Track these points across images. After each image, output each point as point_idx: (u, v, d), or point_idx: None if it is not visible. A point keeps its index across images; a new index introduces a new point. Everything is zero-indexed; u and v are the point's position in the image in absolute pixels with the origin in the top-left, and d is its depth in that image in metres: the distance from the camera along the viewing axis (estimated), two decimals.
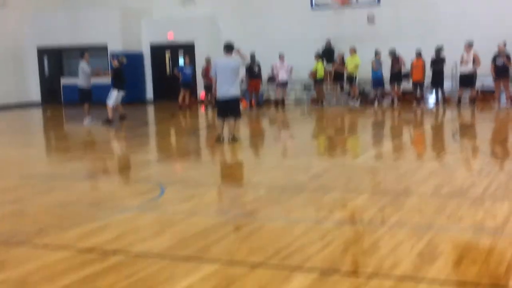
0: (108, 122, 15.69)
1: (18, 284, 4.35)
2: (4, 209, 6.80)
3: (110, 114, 15.83)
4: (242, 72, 20.73)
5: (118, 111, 16.25)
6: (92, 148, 12.37)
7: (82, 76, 16.52)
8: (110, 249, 5.08)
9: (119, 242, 5.29)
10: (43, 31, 24.00)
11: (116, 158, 11.12)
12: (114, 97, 16.04)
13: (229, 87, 11.20)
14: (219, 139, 11.37)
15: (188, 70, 20.62)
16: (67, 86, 23.96)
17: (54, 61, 24.97)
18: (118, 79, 16.20)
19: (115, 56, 16.60)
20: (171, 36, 23.32)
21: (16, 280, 4.44)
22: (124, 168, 9.80)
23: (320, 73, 19.99)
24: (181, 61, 22.25)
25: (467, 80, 17.75)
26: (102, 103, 16.58)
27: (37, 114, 22.17)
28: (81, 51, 17.55)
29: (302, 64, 20.26)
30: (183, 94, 20.37)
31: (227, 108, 11.42)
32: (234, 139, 11.40)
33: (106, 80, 20.91)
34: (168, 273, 4.47)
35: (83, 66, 16.52)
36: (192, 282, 4.26)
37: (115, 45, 23.24)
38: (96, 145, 13.08)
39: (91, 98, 16.82)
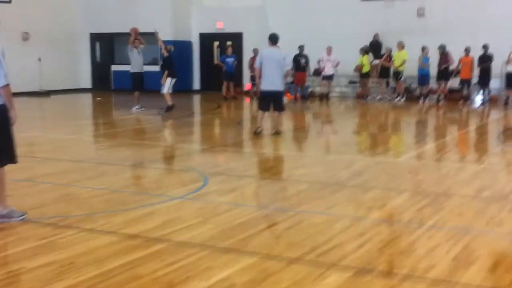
0: (169, 108, 15.93)
1: (65, 266, 4.58)
2: (55, 193, 7.10)
3: (169, 100, 16.07)
4: (289, 65, 20.88)
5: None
6: (140, 136, 12.67)
7: (134, 62, 16.70)
8: (154, 236, 5.29)
9: (163, 230, 5.50)
10: (95, 17, 24.51)
11: (163, 146, 11.38)
12: (168, 84, 16.21)
13: (273, 79, 11.27)
14: (256, 132, 11.48)
15: (230, 61, 20.71)
16: (118, 73, 24.45)
17: (106, 47, 25.48)
18: (171, 67, 16.37)
19: (165, 45, 16.83)
20: (220, 25, 23.52)
21: (63, 262, 4.67)
22: (170, 157, 10.04)
23: (366, 67, 19.91)
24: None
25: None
26: (153, 91, 16.92)
27: (87, 100, 22.71)
28: (145, 39, 17.68)
29: (349, 58, 20.19)
30: (226, 85, 20.54)
31: (270, 101, 11.52)
32: (277, 133, 11.52)
33: (156, 68, 21.35)
34: (208, 263, 4.64)
35: (136, 52, 16.71)
36: (230, 273, 4.42)
37: (165, 33, 23.54)
38: (143, 133, 13.38)
39: (143, 85, 17.07)
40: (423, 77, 18.97)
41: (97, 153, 10.62)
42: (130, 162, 9.19)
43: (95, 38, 25.30)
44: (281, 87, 11.58)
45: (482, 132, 13.26)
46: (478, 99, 18.84)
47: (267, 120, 11.80)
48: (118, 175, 8.21)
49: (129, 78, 17.10)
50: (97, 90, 24.69)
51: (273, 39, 11.49)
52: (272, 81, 11.30)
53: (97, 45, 25.61)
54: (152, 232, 5.41)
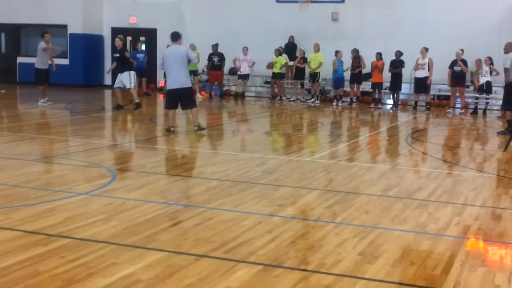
0: (138, 105, 15.55)
1: None
2: None
3: (135, 97, 15.72)
4: (204, 63, 20.81)
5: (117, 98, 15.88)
6: (45, 130, 12.17)
7: (40, 56, 16.29)
8: (54, 233, 5.05)
9: (65, 226, 5.26)
10: (2, 7, 23.47)
11: (69, 141, 10.97)
12: (132, 78, 15.66)
13: (177, 77, 11.19)
14: (169, 130, 11.37)
15: (141, 57, 20.44)
16: (24, 65, 23.50)
17: (11, 38, 24.44)
18: (128, 60, 15.83)
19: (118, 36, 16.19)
20: (133, 20, 23.08)
21: None
22: (77, 152, 9.68)
23: (278, 68, 20.04)
24: (143, 47, 21.97)
25: (421, 85, 18.16)
26: (58, 85, 16.36)
27: None
28: (42, 31, 17.26)
29: (265, 58, 20.34)
30: (138, 81, 20.18)
31: (177, 99, 11.42)
32: (200, 129, 11.54)
33: (64, 61, 20.69)
34: (112, 259, 4.47)
35: (42, 45, 16.28)
36: (135, 269, 4.27)
37: (76, 27, 22.90)
38: (49, 127, 12.88)
39: (48, 79, 16.64)
40: (337, 80, 19.33)
41: None
42: (33, 156, 8.78)
43: (1, 28, 24.21)
44: (187, 84, 11.48)
45: (391, 134, 13.64)
46: (388, 102, 19.42)
47: (182, 119, 11.66)
48: (19, 169, 7.81)
49: (34, 72, 16.55)
50: (2, 82, 23.60)
51: (174, 37, 11.52)
52: (176, 79, 11.25)
53: (2, 36, 24.52)
54: (53, 229, 5.16)
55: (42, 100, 16.32)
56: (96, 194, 6.53)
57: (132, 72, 15.69)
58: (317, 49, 19.55)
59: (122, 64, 15.63)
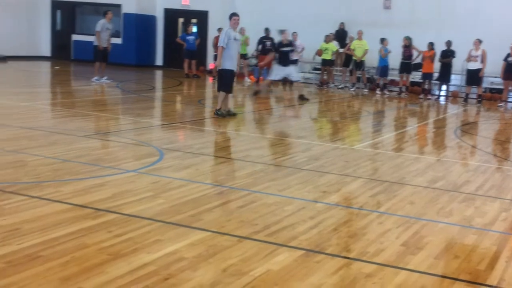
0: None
1: (11, 231, 4.45)
2: (3, 159, 6.90)
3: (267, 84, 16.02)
4: (253, 47, 20.83)
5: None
6: (96, 107, 12.43)
7: (102, 35, 16.31)
8: (103, 207, 5.18)
9: (113, 201, 5.40)
10: None
11: (120, 119, 11.19)
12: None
13: (235, 60, 11.33)
14: (220, 112, 11.42)
15: (191, 39, 20.51)
16: (78, 42, 23.98)
17: (67, 16, 24.93)
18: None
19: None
20: (185, 2, 23.22)
21: (9, 227, 4.54)
22: (127, 130, 9.87)
23: (329, 55, 19.89)
24: (194, 29, 22.12)
25: (473, 77, 17.77)
26: (110, 64, 16.64)
27: (45, 68, 22.21)
28: (102, 10, 17.27)
29: (314, 44, 20.20)
30: (187, 63, 20.36)
31: (232, 81, 11.59)
32: (233, 113, 11.57)
33: (118, 40, 20.98)
34: (157, 236, 4.57)
35: (104, 23, 16.31)
36: (179, 247, 4.36)
37: (129, 6, 23.20)
38: (101, 105, 13.15)
39: (107, 58, 16.76)
40: (383, 69, 19.11)
41: (51, 121, 10.38)
42: (85, 132, 8.99)
43: (56, 5, 24.74)
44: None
45: (440, 125, 13.44)
46: (438, 93, 19.10)
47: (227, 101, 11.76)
48: (71, 145, 8.02)
49: (92, 50, 16.69)
50: (56, 59, 24.17)
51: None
52: (233, 62, 11.37)
53: (58, 13, 25.03)
54: (102, 204, 5.30)
55: (96, 78, 16.50)
56: (144, 172, 6.66)
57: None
58: (360, 36, 19.31)
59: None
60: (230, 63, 11.34)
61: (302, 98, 15.75)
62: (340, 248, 4.64)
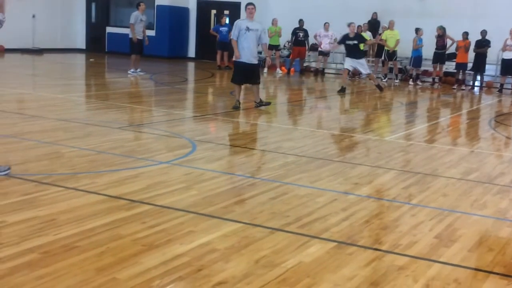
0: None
1: (47, 222, 4.55)
2: (40, 150, 7.04)
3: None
4: (286, 38, 20.80)
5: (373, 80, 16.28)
6: (130, 99, 12.58)
7: (136, 26, 16.27)
8: (137, 199, 5.26)
9: (147, 193, 5.47)
10: None
11: (153, 111, 11.30)
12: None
13: (249, 51, 11.07)
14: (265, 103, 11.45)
15: (224, 30, 20.47)
16: (112, 35, 24.23)
17: (101, 8, 25.20)
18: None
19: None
20: None
21: (44, 218, 4.64)
22: (160, 122, 9.97)
23: (362, 45, 19.70)
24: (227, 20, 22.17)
25: (509, 67, 17.44)
26: (143, 55, 16.79)
27: (80, 60, 22.51)
28: (137, 1, 17.20)
29: None
30: (220, 54, 20.39)
31: (242, 73, 11.29)
32: (265, 103, 11.59)
33: (151, 32, 21.09)
34: (190, 227, 4.63)
35: (137, 15, 16.32)
36: (211, 238, 4.40)
37: None
38: (134, 97, 13.29)
39: (142, 50, 16.78)
40: (417, 59, 18.89)
41: (86, 113, 10.55)
42: (119, 124, 9.11)
43: None
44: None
45: (474, 116, 13.26)
46: (472, 84, 18.82)
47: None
48: (105, 136, 8.15)
49: (128, 42, 16.72)
50: (91, 51, 24.48)
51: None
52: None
53: (93, 6, 25.31)
54: (136, 195, 5.37)
55: (132, 70, 16.58)
56: (177, 163, 6.73)
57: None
58: (392, 26, 19.11)
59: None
60: (242, 54, 11.08)
61: (379, 88, 15.76)
62: (372, 240, 4.64)
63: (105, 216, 4.76)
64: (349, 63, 15.69)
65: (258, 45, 11.33)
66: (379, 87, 15.78)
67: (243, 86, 11.72)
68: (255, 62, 11.30)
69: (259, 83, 11.56)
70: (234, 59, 11.39)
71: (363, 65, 15.76)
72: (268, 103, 11.75)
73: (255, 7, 11.13)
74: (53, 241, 4.19)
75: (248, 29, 10.95)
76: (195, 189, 5.71)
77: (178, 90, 14.85)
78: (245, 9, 11.22)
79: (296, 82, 18.77)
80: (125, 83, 15.52)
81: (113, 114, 10.16)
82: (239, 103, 11.29)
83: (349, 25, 15.80)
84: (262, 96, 12.28)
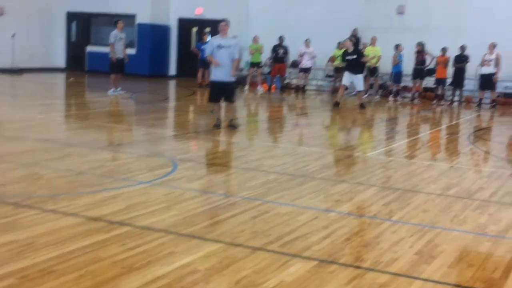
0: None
1: (25, 245, 4.49)
2: (18, 172, 6.98)
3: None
4: (267, 55, 20.89)
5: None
6: (110, 119, 12.53)
7: (116, 45, 16.14)
8: (116, 220, 5.22)
9: (127, 214, 5.43)
10: None
11: (134, 130, 11.26)
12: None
13: (223, 69, 10.69)
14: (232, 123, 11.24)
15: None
16: (93, 54, 24.16)
17: (82, 27, 25.13)
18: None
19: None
20: (199, 11, 23.32)
21: (23, 241, 4.58)
22: (140, 141, 9.93)
23: (340, 61, 19.87)
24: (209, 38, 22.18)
25: (487, 82, 17.67)
26: (123, 74, 16.77)
27: (60, 80, 22.40)
28: (112, 20, 17.01)
29: (327, 51, 20.22)
30: (201, 72, 20.40)
31: (218, 91, 10.95)
32: (217, 125, 11.04)
33: (132, 51, 21.06)
34: (171, 248, 4.59)
35: (116, 34, 16.21)
36: (192, 259, 4.37)
37: (144, 16, 23.35)
38: (115, 116, 13.24)
39: (122, 69, 16.67)
40: (397, 75, 19.08)
41: (66, 134, 10.48)
42: (99, 144, 9.06)
43: (72, 17, 24.94)
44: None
45: (453, 131, 13.38)
46: (451, 99, 19.01)
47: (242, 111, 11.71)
48: (85, 157, 8.09)
49: (108, 61, 16.61)
50: (71, 70, 24.36)
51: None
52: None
53: (73, 25, 25.25)
54: (115, 216, 5.33)
55: (112, 89, 16.45)
56: (157, 183, 6.70)
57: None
58: (374, 42, 19.29)
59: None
60: (215, 73, 10.84)
61: (362, 107, 15.85)
62: (353, 258, 4.64)
63: (84, 239, 4.72)
64: (348, 79, 15.92)
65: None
66: (362, 106, 15.90)
67: (224, 104, 11.59)
68: (231, 79, 10.93)
69: (233, 101, 11.20)
70: (210, 78, 11.14)
71: (360, 81, 16.02)
72: (236, 127, 11.31)
73: (228, 24, 10.90)
74: (31, 265, 4.13)
75: (220, 46, 10.65)
76: (176, 209, 5.68)
77: (159, 108, 14.83)
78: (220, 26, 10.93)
79: (277, 99, 18.83)
80: (105, 102, 15.46)
81: (93, 134, 10.11)
82: (220, 122, 11.17)
83: (349, 39, 16.21)
84: (243, 113, 12.29)
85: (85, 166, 7.44)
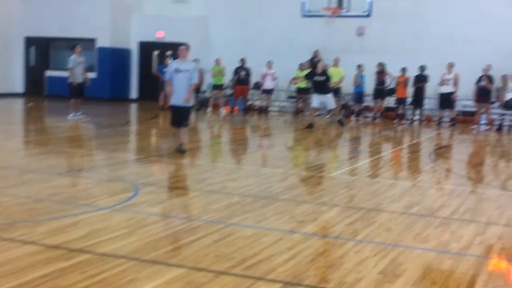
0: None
1: None
2: None
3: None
4: (229, 77, 20.95)
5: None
6: (71, 144, 12.33)
7: (75, 70, 16.02)
8: (76, 247, 5.09)
9: (87, 240, 5.31)
10: (31, 21, 23.89)
11: (94, 155, 11.10)
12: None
13: (179, 93, 10.51)
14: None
15: None
16: (52, 78, 23.87)
17: (41, 52, 24.83)
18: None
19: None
20: (160, 35, 23.29)
21: None
22: (101, 166, 9.79)
23: (304, 82, 20.04)
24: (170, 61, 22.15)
25: (446, 101, 18.04)
26: (84, 98, 16.59)
27: (18, 105, 22.03)
28: (71, 44, 16.96)
29: (290, 72, 20.38)
30: (163, 95, 20.30)
31: (177, 115, 10.73)
32: (180, 150, 10.73)
33: (92, 75, 20.89)
34: (132, 275, 4.50)
35: (74, 59, 16.12)
36: (155, 285, 4.29)
37: (104, 40, 23.22)
38: (75, 141, 13.04)
39: (82, 93, 16.52)
40: (358, 95, 19.34)
41: (24, 160, 10.25)
42: (58, 170, 8.90)
43: (30, 41, 24.64)
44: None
45: (415, 150, 13.56)
46: (412, 118, 19.30)
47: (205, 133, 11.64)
48: (44, 183, 7.92)
49: (68, 86, 16.44)
50: (30, 95, 24.01)
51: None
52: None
53: (32, 49, 24.94)
54: (75, 243, 5.21)
55: (72, 114, 16.26)
56: (119, 208, 6.59)
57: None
58: (336, 63, 19.52)
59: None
60: (173, 97, 10.61)
61: (340, 123, 16.20)
62: (318, 279, 4.62)
63: (43, 267, 4.59)
64: (317, 101, 16.11)
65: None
66: (341, 121, 16.05)
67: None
68: (188, 104, 10.72)
69: (186, 125, 10.90)
70: (161, 102, 10.91)
71: (331, 100, 16.25)
72: (183, 151, 10.84)
73: (187, 48, 10.79)
74: None
75: (178, 70, 10.47)
76: (137, 234, 5.59)
77: (120, 132, 14.67)
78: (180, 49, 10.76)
79: (240, 121, 18.85)
80: (65, 127, 15.23)
81: (52, 160, 9.93)
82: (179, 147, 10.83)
83: (317, 62, 16.29)
84: (206, 135, 12.25)
85: (44, 192, 7.28)
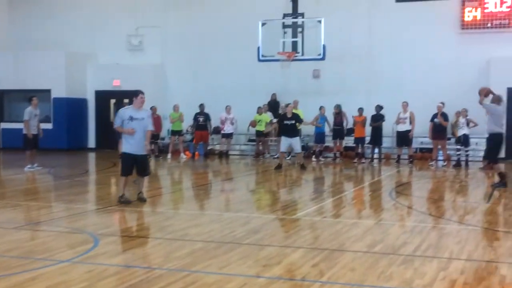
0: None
1: None
2: None
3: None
4: (188, 123, 20.95)
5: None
6: (27, 196, 12.04)
7: (31, 122, 15.88)
8: None
9: None
10: None
11: (52, 207, 10.86)
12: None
13: (134, 141, 10.37)
14: (123, 199, 10.56)
15: None
16: (7, 130, 23.46)
17: None
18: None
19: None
20: (116, 83, 23.23)
21: None
22: (59, 218, 9.56)
23: (263, 126, 20.21)
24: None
25: (403, 139, 18.39)
26: (41, 149, 16.28)
27: None
28: (26, 96, 16.86)
29: (249, 116, 20.52)
30: (121, 143, 20.10)
31: (129, 164, 10.53)
32: (142, 198, 10.70)
33: (48, 125, 20.63)
34: None
35: (31, 111, 15.97)
36: None
37: (59, 91, 23.04)
38: (32, 193, 12.74)
39: (37, 144, 16.32)
40: (319, 135, 19.54)
41: None
42: (15, 224, 8.65)
43: None
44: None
45: (375, 188, 13.67)
46: (371, 156, 19.54)
47: (166, 180, 11.53)
48: (0, 238, 7.68)
49: (22, 138, 16.21)
50: None
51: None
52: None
53: None
54: None
55: (29, 166, 16.00)
56: (78, 261, 6.42)
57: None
58: (296, 105, 19.72)
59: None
60: (126, 145, 10.45)
61: (302, 167, 16.44)
62: None
63: None
64: (285, 144, 16.56)
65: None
66: (303, 166, 16.29)
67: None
68: (143, 152, 10.53)
69: (147, 175, 10.88)
70: (121, 150, 10.78)
71: (298, 144, 16.68)
72: (144, 200, 10.72)
73: (143, 96, 10.52)
74: None
75: (131, 118, 10.25)
76: (98, 287, 5.43)
77: (79, 182, 14.43)
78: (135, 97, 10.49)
79: (201, 166, 18.77)
80: (21, 180, 14.90)
81: (8, 214, 9.67)
82: (123, 196, 10.58)
83: (286, 106, 17.00)
84: (166, 182, 12.12)
85: (1, 248, 7.05)
